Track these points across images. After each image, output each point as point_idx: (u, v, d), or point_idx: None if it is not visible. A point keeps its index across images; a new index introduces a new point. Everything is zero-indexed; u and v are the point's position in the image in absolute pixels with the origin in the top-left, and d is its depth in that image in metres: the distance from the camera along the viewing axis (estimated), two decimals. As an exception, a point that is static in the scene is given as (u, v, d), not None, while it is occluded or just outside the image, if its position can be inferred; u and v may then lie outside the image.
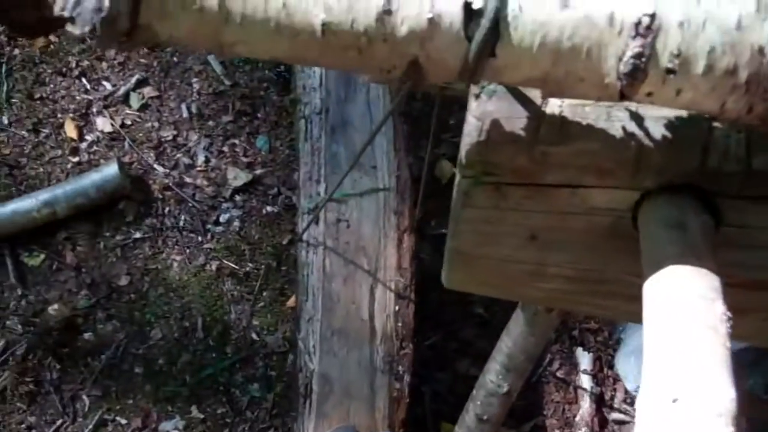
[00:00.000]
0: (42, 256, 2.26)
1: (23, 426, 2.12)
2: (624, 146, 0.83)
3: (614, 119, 0.84)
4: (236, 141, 2.43)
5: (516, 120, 0.86)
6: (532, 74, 0.71)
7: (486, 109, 0.87)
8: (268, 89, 2.49)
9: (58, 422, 2.14)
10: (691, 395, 0.63)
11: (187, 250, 2.30)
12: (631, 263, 0.95)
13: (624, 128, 0.84)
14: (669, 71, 0.66)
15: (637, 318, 1.09)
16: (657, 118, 0.83)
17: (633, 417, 2.20)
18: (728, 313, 0.70)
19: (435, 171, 2.41)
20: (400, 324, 1.94)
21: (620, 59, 0.66)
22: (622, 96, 0.71)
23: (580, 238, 0.94)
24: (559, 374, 2.28)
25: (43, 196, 2.22)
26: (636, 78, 0.67)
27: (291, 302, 2.26)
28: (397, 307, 1.94)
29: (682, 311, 0.72)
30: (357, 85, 2.10)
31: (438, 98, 1.68)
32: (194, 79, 2.48)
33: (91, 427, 2.13)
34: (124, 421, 2.15)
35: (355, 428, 1.86)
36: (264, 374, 2.21)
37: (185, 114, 2.45)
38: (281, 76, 2.49)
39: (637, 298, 1.02)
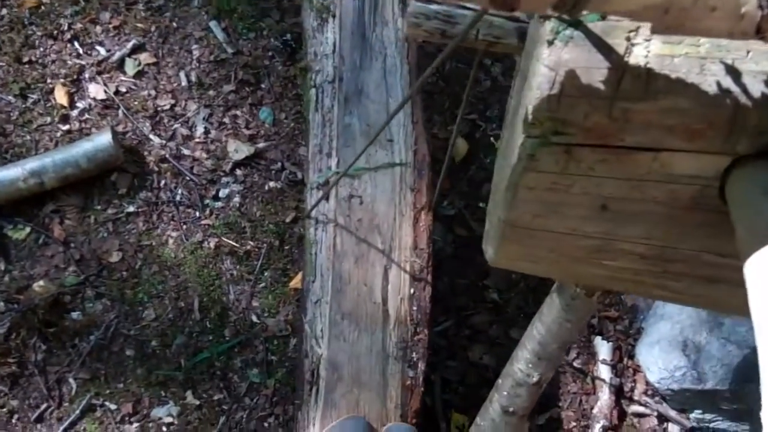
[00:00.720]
0: (27, 230, 2.11)
1: (4, 410, 1.98)
2: (718, 104, 0.72)
3: (708, 73, 0.72)
4: (238, 112, 2.28)
5: (595, 71, 0.74)
6: (642, 1, 0.59)
7: (561, 58, 0.74)
8: (273, 58, 2.35)
9: (43, 406, 2.00)
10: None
11: (184, 226, 2.16)
12: (712, 239, 0.84)
13: (719, 84, 0.72)
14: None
15: (707, 302, 0.97)
16: (756, 73, 0.71)
17: (653, 410, 2.10)
18: None
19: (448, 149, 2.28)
20: (415, 308, 1.81)
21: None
22: (759, 30, 0.59)
23: (657, 210, 0.82)
24: (576, 364, 2.16)
25: (30, 165, 2.07)
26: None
27: (294, 283, 2.12)
28: (412, 290, 1.81)
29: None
30: (373, 52, 1.96)
31: (474, 66, 1.55)
32: (194, 46, 2.34)
33: (78, 412, 1.99)
34: (113, 407, 2.01)
35: (365, 419, 1.73)
36: (264, 359, 2.08)
37: (184, 82, 2.30)
38: (287, 45, 2.35)
39: (710, 280, 0.90)
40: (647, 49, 0.73)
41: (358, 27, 1.99)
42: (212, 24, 2.37)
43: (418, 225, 1.85)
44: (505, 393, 1.48)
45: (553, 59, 0.74)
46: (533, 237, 0.91)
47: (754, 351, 1.90)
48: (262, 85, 2.32)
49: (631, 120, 0.74)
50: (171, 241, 2.14)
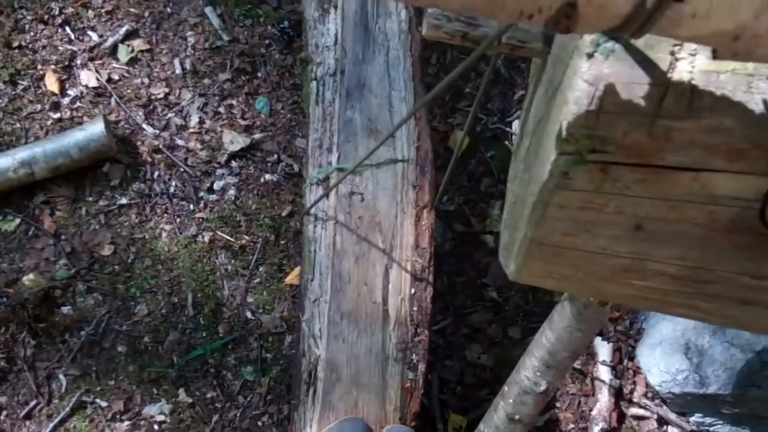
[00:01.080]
0: (17, 221, 2.06)
1: (-8, 405, 1.94)
2: (764, 124, 0.68)
3: (755, 91, 0.68)
4: (234, 102, 2.23)
5: (636, 87, 0.70)
6: (724, 26, 0.54)
7: (601, 72, 0.70)
8: (270, 47, 2.29)
9: (32, 403, 1.95)
10: None
11: (178, 219, 2.11)
12: (750, 262, 0.80)
13: (765, 102, 0.68)
14: None
15: (737, 323, 0.94)
16: None
17: (653, 413, 2.07)
18: None
19: (448, 142, 2.24)
20: (415, 308, 1.77)
21: None
22: None
23: (694, 231, 0.78)
24: (575, 365, 2.13)
25: (20, 154, 2.01)
26: None
27: (290, 279, 2.08)
28: (413, 290, 1.77)
29: None
30: (376, 44, 1.91)
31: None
32: (189, 33, 2.27)
33: (68, 409, 1.95)
34: (104, 404, 1.97)
35: (363, 421, 1.70)
36: (258, 356, 2.03)
37: (178, 70, 2.24)
38: (285, 33, 2.29)
39: (744, 302, 0.87)
40: (692, 65, 0.69)
41: (361, 18, 1.94)
42: (208, 10, 2.30)
43: (420, 223, 1.80)
44: (511, 401, 1.44)
45: (592, 73, 0.70)
46: (561, 255, 0.87)
47: (757, 355, 1.87)
48: (259, 74, 2.27)
49: (672, 139, 0.70)
50: (164, 234, 2.09)
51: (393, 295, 1.76)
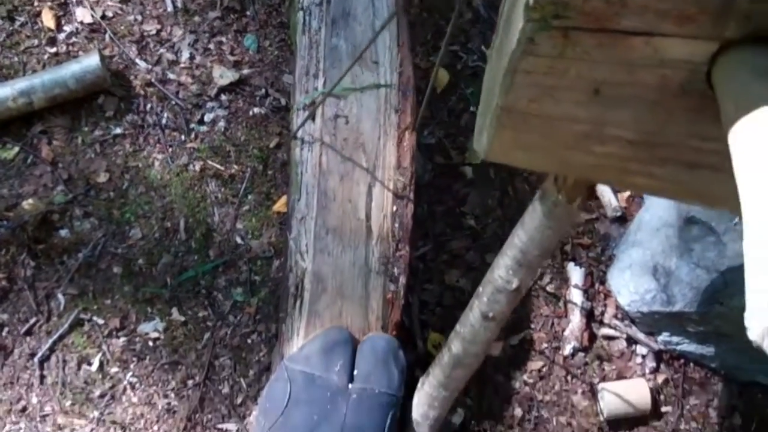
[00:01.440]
0: (16, 149, 2.14)
1: (-7, 325, 2.03)
2: None
3: None
4: (223, 39, 2.31)
5: None
6: None
7: (563, -56, 0.79)
8: (258, -15, 2.38)
9: (32, 320, 2.05)
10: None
11: (170, 149, 2.20)
12: (697, 124, 0.90)
13: None
14: None
15: (689, 189, 1.03)
16: None
17: (623, 332, 2.19)
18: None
19: (429, 79, 2.33)
20: (397, 225, 1.87)
21: None
22: None
23: (647, 94, 0.88)
24: (549, 289, 2.24)
25: (19, 85, 2.10)
26: None
27: (277, 207, 2.18)
28: (395, 207, 1.87)
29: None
30: (360, -26, 2.00)
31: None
32: (180, -29, 2.36)
33: (66, 326, 2.04)
34: (101, 321, 2.06)
35: (347, 329, 1.80)
36: (248, 279, 2.13)
37: (170, 8, 2.32)
38: (272, -28, 2.38)
39: (696, 165, 0.97)
40: None
41: (346, -50, 2.03)
42: (197, -49, 2.39)
43: (402, 145, 1.90)
44: (485, 299, 1.54)
45: None
46: (528, 123, 0.96)
47: (721, 275, 1.98)
48: (247, 13, 2.35)
49: (627, 4, 0.79)
50: (157, 163, 2.18)
51: (376, 212, 1.86)
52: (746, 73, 0.78)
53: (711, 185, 0.97)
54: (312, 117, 1.88)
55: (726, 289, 1.98)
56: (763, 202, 0.62)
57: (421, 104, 1.88)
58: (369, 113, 1.90)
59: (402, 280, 1.86)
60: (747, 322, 0.56)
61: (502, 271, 1.48)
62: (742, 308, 0.56)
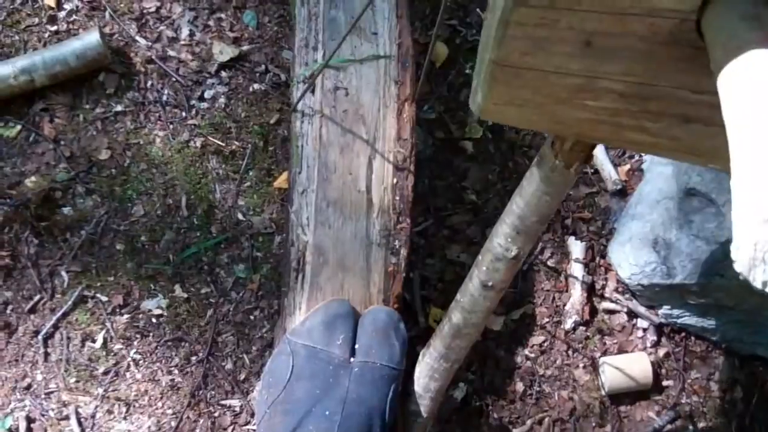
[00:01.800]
0: (18, 127, 2.15)
1: (-2, 302, 2.05)
2: None
3: None
4: (222, 15, 2.32)
5: None
6: None
7: None
8: (257, -38, 2.38)
9: (36, 298, 2.06)
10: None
11: (171, 126, 2.20)
12: (688, 75, 0.90)
13: None
14: None
15: (683, 146, 1.04)
16: None
17: (623, 306, 2.19)
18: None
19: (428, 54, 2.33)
20: (398, 197, 1.87)
21: None
22: None
23: (637, 45, 0.88)
24: (550, 263, 2.25)
25: (20, 62, 2.10)
26: None
27: (278, 183, 2.18)
28: (395, 180, 1.88)
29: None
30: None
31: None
32: (179, -51, 2.36)
33: (70, 303, 2.06)
34: (104, 298, 2.08)
35: (348, 302, 1.81)
36: (250, 255, 2.14)
37: (169, -15, 2.33)
38: (271, -52, 2.38)
39: (688, 119, 0.97)
40: None
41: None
42: (196, -71, 2.38)
43: (402, 116, 1.90)
44: (485, 268, 1.55)
45: None
46: (521, 77, 0.96)
47: (721, 246, 1.99)
48: (247, -10, 2.36)
49: None
50: (158, 140, 2.19)
51: (376, 184, 1.87)
52: (734, 19, 0.78)
53: (704, 140, 0.98)
54: (312, 89, 1.89)
55: (726, 261, 1.99)
56: (751, 138, 0.62)
57: (419, 79, 1.89)
58: (368, 85, 1.90)
59: (403, 252, 1.86)
60: (733, 254, 0.57)
61: (501, 239, 1.49)
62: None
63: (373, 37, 1.92)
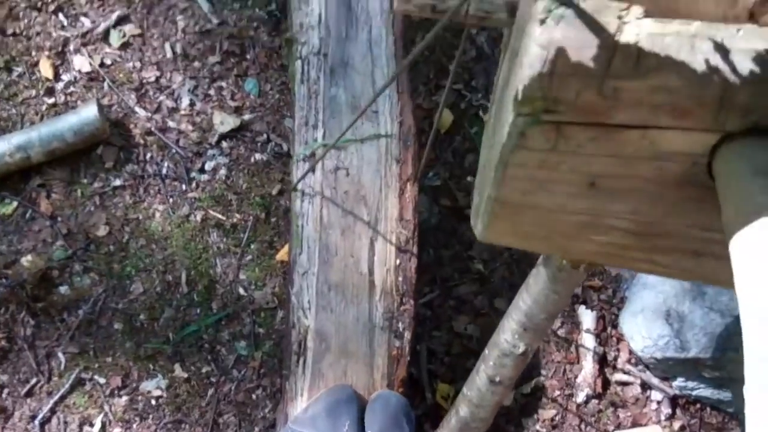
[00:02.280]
0: (14, 204, 2.11)
1: (-5, 383, 2.00)
2: (707, 82, 0.72)
3: (698, 51, 0.72)
4: (223, 84, 2.28)
5: (586, 49, 0.74)
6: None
7: (552, 37, 0.75)
8: (258, 29, 2.33)
9: (33, 381, 2.01)
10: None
11: (171, 199, 2.16)
12: (699, 215, 0.85)
13: (708, 62, 0.72)
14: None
15: (695, 276, 0.99)
16: (745, 51, 0.71)
17: (637, 378, 2.13)
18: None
19: (432, 119, 2.29)
20: (401, 279, 1.82)
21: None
22: (752, 15, 0.60)
23: (645, 187, 0.83)
24: (560, 333, 2.19)
25: (16, 139, 2.07)
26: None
27: (280, 255, 2.13)
28: (398, 261, 1.83)
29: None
30: (359, 23, 1.95)
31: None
32: (179, 17, 2.32)
33: (67, 386, 2.01)
34: (102, 380, 2.03)
35: (352, 388, 1.76)
36: (251, 331, 2.09)
37: (169, 54, 2.29)
38: (272, 15, 2.34)
39: (699, 254, 0.92)
40: (638, 28, 0.73)
41: (343, -3, 1.99)
42: (196, -5, 2.35)
43: (404, 196, 1.86)
44: (492, 363, 1.50)
45: (544, 38, 0.74)
46: (522, 214, 0.92)
47: (736, 319, 1.93)
48: (247, 56, 2.32)
49: (621, 98, 0.75)
50: (158, 214, 2.15)
51: (378, 266, 1.82)
52: (747, 174, 0.73)
53: (716, 271, 0.93)
54: (312, 169, 1.84)
55: (740, 334, 1.92)
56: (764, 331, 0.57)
57: (424, 147, 1.84)
58: (370, 164, 1.86)
59: (407, 335, 1.81)
60: (746, 396, 0.53)
61: (508, 335, 1.43)
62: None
63: (373, 115, 1.87)
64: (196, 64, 2.29)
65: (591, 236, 0.92)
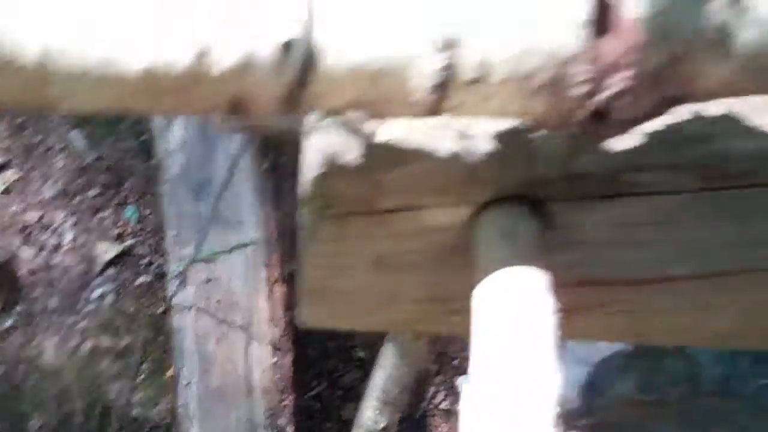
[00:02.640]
0: None
1: None
2: (455, 165, 0.88)
3: (444, 138, 0.88)
4: (104, 214, 2.39)
5: (351, 151, 0.89)
6: (346, 99, 0.75)
7: (321, 143, 0.90)
8: (133, 158, 2.47)
9: None
10: (518, 381, 0.67)
11: (61, 332, 2.24)
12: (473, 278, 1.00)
13: (450, 149, 0.88)
14: (472, 82, 0.71)
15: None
16: (483, 134, 0.87)
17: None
18: (557, 304, 0.74)
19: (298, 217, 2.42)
20: (278, 376, 1.94)
21: (425, 76, 0.71)
22: (433, 111, 0.75)
23: (423, 259, 0.97)
24: (443, 406, 2.30)
25: None
26: (441, 93, 0.72)
27: (171, 371, 2.22)
28: (274, 359, 1.95)
29: (509, 306, 0.76)
30: (218, 143, 2.12)
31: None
32: (58, 157, 2.44)
33: None
34: None
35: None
36: (151, 449, 2.16)
37: (50, 193, 2.40)
38: (144, 143, 2.47)
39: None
40: (393, 126, 0.89)
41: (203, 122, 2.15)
42: (73, 134, 2.47)
43: (273, 297, 2.00)
44: (359, 441, 1.60)
45: (315, 145, 0.89)
46: (331, 297, 1.04)
47: (595, 367, 2.06)
48: (125, 185, 2.44)
49: (386, 187, 0.89)
50: (50, 348, 2.22)
51: (256, 367, 1.94)
52: (495, 234, 0.88)
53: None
54: (184, 284, 1.97)
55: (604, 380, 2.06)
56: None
57: (292, 255, 1.98)
58: (238, 272, 2.00)
59: (289, 430, 1.92)
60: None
61: (369, 412, 1.55)
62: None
63: (238, 225, 2.03)
64: (77, 199, 2.40)
65: (394, 308, 1.05)
